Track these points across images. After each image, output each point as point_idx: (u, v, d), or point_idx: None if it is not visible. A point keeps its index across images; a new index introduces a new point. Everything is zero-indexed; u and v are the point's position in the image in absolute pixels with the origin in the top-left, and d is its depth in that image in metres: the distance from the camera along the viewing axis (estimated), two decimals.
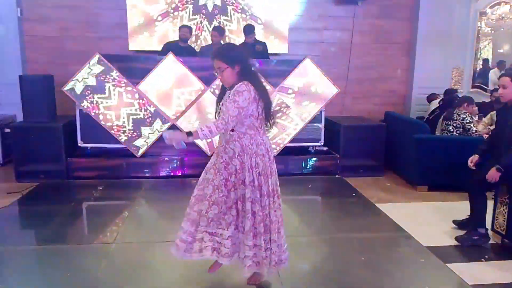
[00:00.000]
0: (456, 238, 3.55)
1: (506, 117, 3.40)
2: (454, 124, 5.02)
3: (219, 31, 5.73)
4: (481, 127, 5.33)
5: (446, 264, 3.11)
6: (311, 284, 2.87)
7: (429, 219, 4.15)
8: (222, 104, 2.53)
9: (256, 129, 2.50)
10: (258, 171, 2.48)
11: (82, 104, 5.09)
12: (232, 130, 2.47)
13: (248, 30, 5.82)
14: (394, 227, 3.85)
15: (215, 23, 6.23)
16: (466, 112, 5.03)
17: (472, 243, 3.50)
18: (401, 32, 6.93)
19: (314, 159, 5.57)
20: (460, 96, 5.79)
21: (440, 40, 6.85)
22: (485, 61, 7.24)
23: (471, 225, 3.62)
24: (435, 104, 6.12)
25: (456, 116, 5.03)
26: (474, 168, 3.63)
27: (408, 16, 6.89)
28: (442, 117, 5.27)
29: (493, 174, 3.29)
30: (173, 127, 5.23)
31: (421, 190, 5.02)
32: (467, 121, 4.95)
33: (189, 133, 2.39)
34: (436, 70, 6.91)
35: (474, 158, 3.65)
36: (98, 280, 2.81)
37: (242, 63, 2.49)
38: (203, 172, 2.61)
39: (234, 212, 2.52)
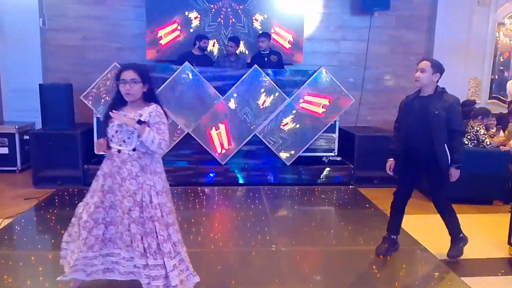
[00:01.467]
0: (448, 255, 3.42)
1: (425, 107, 3.16)
2: (469, 137, 4.95)
3: (235, 41, 5.82)
4: (498, 139, 5.25)
5: (461, 278, 3.06)
6: None
7: (444, 232, 4.07)
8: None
9: None
10: (157, 190, 2.52)
11: (100, 112, 5.19)
12: (134, 150, 2.50)
13: (264, 35, 5.88)
14: (409, 239, 3.80)
15: (230, 33, 6.28)
16: (480, 125, 4.97)
17: (461, 252, 3.42)
18: (418, 43, 6.89)
19: (328, 169, 5.55)
20: (477, 107, 5.71)
21: (458, 51, 6.78)
22: (502, 72, 7.13)
23: (453, 238, 3.46)
24: None
25: (470, 129, 4.97)
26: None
27: (425, 27, 6.85)
28: None
29: (456, 174, 3.18)
30: (188, 136, 5.29)
31: None
32: (481, 133, 4.89)
33: (142, 123, 2.42)
34: (453, 81, 6.77)
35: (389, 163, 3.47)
36: (112, 284, 2.84)
37: (150, 85, 2.59)
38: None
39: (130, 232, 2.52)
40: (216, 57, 6.20)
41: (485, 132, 4.93)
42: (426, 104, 3.14)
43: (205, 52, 5.94)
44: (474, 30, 6.79)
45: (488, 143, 4.87)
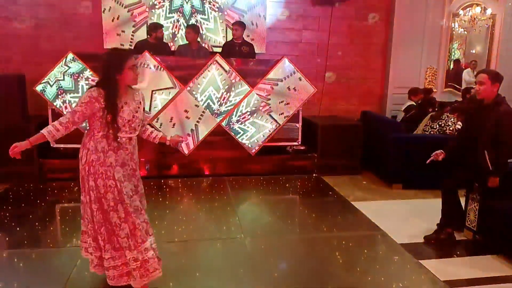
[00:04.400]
0: (424, 237, 3.62)
1: (483, 116, 3.39)
2: (440, 123, 5.15)
3: (193, 28, 5.69)
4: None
5: (420, 261, 3.18)
6: (288, 283, 2.88)
7: (403, 216, 4.23)
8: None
9: None
10: None
11: (55, 104, 4.97)
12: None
13: (239, 24, 5.79)
14: (370, 225, 3.90)
15: (192, 21, 6.17)
16: (455, 118, 5.18)
17: (438, 242, 3.58)
18: (377, 33, 7.03)
19: (292, 158, 5.60)
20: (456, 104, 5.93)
21: (415, 40, 6.98)
22: (457, 61, 7.41)
23: (440, 224, 3.67)
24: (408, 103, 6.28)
25: (445, 117, 5.17)
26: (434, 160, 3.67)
27: (383, 17, 6.99)
28: (430, 116, 5.36)
29: (495, 183, 3.37)
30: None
31: (396, 188, 5.10)
32: (452, 121, 5.09)
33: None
34: (410, 70, 7.04)
35: (441, 155, 3.65)
36: (71, 283, 2.75)
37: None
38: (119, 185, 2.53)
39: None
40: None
41: (455, 123, 5.17)
42: (480, 114, 3.45)
43: (162, 40, 5.77)
44: (430, 20, 7.00)
45: (451, 128, 5.08)
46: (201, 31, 6.04)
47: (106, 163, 2.49)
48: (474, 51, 7.54)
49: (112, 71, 2.48)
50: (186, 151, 5.26)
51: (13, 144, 2.43)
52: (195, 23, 6.00)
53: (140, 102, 2.65)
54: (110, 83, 2.49)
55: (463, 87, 7.11)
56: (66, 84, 4.97)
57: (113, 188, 2.49)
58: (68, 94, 4.98)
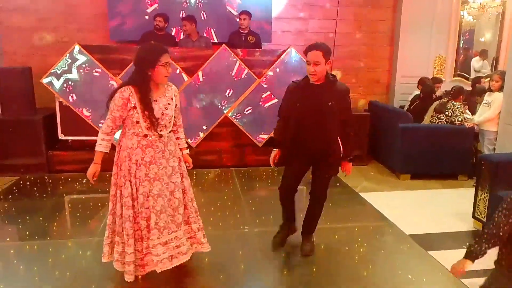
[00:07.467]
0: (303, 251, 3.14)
1: (319, 97, 2.80)
2: (447, 113, 5.09)
3: (188, 20, 5.60)
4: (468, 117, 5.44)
5: (428, 252, 3.16)
6: (295, 274, 2.88)
7: (411, 207, 4.20)
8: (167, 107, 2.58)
9: None
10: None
11: (62, 96, 4.98)
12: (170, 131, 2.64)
13: (246, 13, 5.72)
14: (377, 216, 3.89)
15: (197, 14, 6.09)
16: (460, 104, 5.12)
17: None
18: (384, 21, 6.93)
19: None
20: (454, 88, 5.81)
21: (423, 29, 6.87)
22: (467, 50, 7.30)
23: (304, 232, 3.23)
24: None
25: (451, 106, 5.10)
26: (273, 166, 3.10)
27: (391, 4, 6.88)
28: (433, 109, 5.30)
29: (349, 167, 3.04)
30: None
31: (404, 178, 5.08)
32: (460, 110, 5.04)
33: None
34: (419, 59, 6.94)
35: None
36: (81, 274, 2.78)
37: None
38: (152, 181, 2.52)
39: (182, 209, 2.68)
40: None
41: (463, 111, 5.09)
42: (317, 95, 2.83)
43: (163, 30, 5.67)
44: (439, 8, 6.89)
45: (460, 119, 5.02)
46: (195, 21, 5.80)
47: (131, 161, 2.48)
48: (483, 40, 7.41)
49: (144, 66, 2.43)
50: (193, 145, 5.26)
51: (87, 174, 2.57)
52: (190, 14, 5.87)
53: (172, 98, 2.59)
54: (142, 79, 2.44)
55: (472, 77, 7.01)
56: (73, 76, 4.96)
57: (132, 185, 2.48)
58: (75, 86, 4.98)
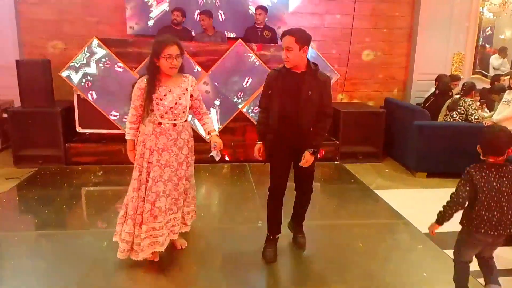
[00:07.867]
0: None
1: (299, 85, 2.72)
2: (459, 110, 5.02)
3: (206, 14, 5.62)
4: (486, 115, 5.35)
5: (444, 250, 3.13)
6: (309, 270, 2.89)
7: (427, 205, 4.15)
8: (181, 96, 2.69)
9: None
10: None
11: (80, 89, 5.05)
12: (185, 120, 2.75)
13: (262, 8, 5.73)
14: (392, 213, 3.87)
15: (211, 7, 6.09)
16: (473, 100, 5.04)
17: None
18: (402, 17, 6.84)
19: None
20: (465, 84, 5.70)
21: (442, 25, 6.76)
22: (483, 47, 7.16)
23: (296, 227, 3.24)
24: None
25: (462, 103, 5.03)
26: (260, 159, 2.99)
27: (409, 0, 6.79)
28: (446, 106, 5.23)
29: (310, 159, 2.79)
30: None
31: (420, 176, 5.02)
32: (473, 107, 4.96)
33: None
34: (436, 56, 6.84)
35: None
36: (96, 264, 2.83)
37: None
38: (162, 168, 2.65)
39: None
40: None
41: (477, 108, 5.02)
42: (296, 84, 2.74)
43: (180, 25, 5.68)
44: (458, 4, 6.77)
45: (476, 117, 4.94)
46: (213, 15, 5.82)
47: (145, 146, 2.63)
48: (503, 37, 7.27)
49: (152, 57, 2.59)
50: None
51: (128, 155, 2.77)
52: (207, 9, 5.88)
53: (187, 88, 2.69)
54: (151, 69, 2.61)
55: (491, 74, 6.88)
56: (91, 70, 5.03)
57: (144, 170, 2.64)
58: (93, 80, 5.05)
